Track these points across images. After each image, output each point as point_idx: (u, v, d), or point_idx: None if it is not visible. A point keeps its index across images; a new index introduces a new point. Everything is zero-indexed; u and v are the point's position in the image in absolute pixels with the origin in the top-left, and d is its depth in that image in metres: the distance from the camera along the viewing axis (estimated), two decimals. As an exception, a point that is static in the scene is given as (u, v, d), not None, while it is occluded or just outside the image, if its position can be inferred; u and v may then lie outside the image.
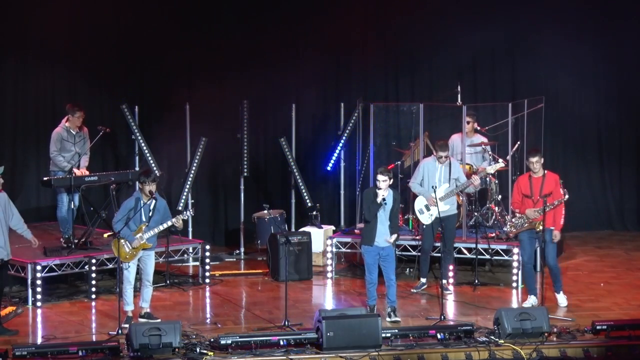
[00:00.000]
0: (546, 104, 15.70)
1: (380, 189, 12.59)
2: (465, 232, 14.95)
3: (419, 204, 14.06)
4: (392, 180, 12.80)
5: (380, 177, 12.63)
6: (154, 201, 12.46)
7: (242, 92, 16.64)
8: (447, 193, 13.87)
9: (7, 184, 16.22)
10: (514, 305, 13.61)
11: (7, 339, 11.90)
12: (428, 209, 13.97)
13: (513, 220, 13.18)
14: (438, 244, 14.33)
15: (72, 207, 14.57)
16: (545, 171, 13.10)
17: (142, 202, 12.43)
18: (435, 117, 16.66)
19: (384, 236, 12.70)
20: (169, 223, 12.50)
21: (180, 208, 15.94)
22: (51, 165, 14.70)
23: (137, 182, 12.62)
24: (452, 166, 13.96)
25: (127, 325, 11.98)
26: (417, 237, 14.68)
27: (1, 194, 12.34)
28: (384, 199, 12.57)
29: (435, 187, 13.78)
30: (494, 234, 14.94)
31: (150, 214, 12.47)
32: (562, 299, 13.26)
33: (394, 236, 12.76)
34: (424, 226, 14.19)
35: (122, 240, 12.32)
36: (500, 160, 14.95)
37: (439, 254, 14.35)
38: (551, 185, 13.04)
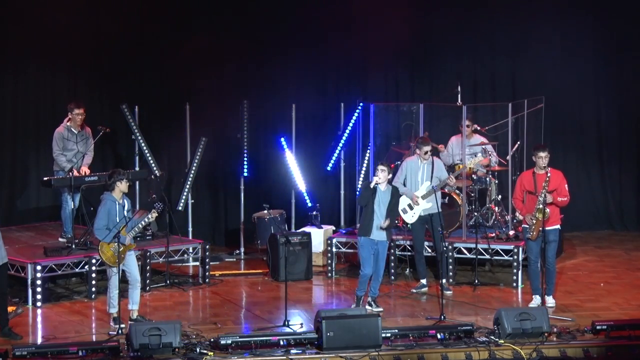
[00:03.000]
0: (546, 104, 15.70)
1: (376, 176, 12.81)
2: (465, 232, 14.95)
3: (402, 203, 14.03)
4: (390, 175, 13.01)
5: (380, 166, 12.90)
6: (125, 201, 12.44)
7: (242, 92, 16.65)
8: (429, 191, 13.88)
9: (7, 184, 16.33)
10: (514, 305, 13.61)
11: (6, 339, 11.90)
12: (411, 208, 13.99)
13: (528, 222, 13.05)
14: (431, 243, 14.35)
15: (73, 207, 14.59)
16: (549, 168, 13.07)
17: (117, 203, 12.38)
18: (435, 117, 16.66)
19: (380, 231, 12.82)
20: (146, 220, 12.42)
21: (180, 207, 15.97)
22: (54, 166, 14.71)
23: (112, 183, 12.40)
24: (435, 164, 13.97)
25: (116, 326, 12.06)
26: (410, 238, 14.66)
27: None
28: (377, 183, 12.77)
29: (435, 186, 13.79)
30: (494, 234, 14.94)
31: (132, 216, 12.42)
32: (551, 301, 13.23)
33: (387, 220, 12.86)
34: (409, 225, 14.21)
35: (113, 245, 12.23)
36: (479, 154, 15.02)
37: (434, 254, 14.36)
38: (557, 182, 13.01)
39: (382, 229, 12.88)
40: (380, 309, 12.93)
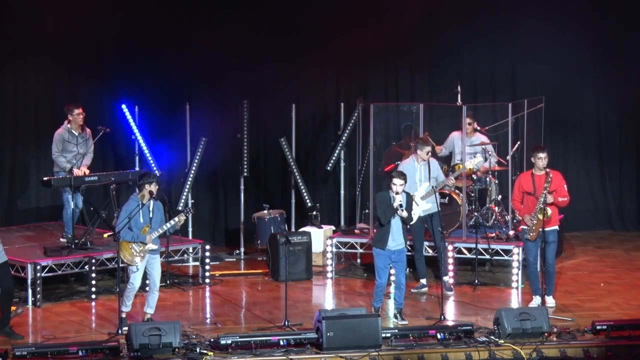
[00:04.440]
0: (546, 104, 15.70)
1: (397, 193, 12.51)
2: (465, 232, 14.95)
3: None
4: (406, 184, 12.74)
5: (396, 180, 12.53)
6: (152, 202, 12.43)
7: (242, 92, 16.65)
8: (428, 192, 13.86)
9: (7, 184, 16.33)
10: (514, 305, 13.61)
11: (7, 339, 11.90)
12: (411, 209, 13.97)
13: (528, 223, 13.05)
14: (431, 243, 14.34)
15: (73, 207, 14.58)
16: (548, 169, 13.06)
17: (141, 204, 12.38)
18: (436, 117, 16.66)
19: (397, 238, 12.62)
20: (172, 222, 12.41)
21: (180, 208, 15.96)
22: (55, 167, 14.70)
23: (141, 184, 12.41)
24: (431, 165, 13.95)
25: (126, 328, 11.98)
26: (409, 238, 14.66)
27: None
28: (400, 205, 12.49)
29: (435, 187, 13.78)
30: (494, 234, 14.93)
31: (151, 215, 12.42)
32: (551, 301, 13.23)
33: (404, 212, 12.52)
34: (409, 226, 14.19)
35: (132, 245, 12.22)
36: (478, 154, 15.00)
37: (434, 254, 14.34)
38: (556, 183, 13.00)
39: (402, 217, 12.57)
40: (405, 322, 12.66)
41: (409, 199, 12.77)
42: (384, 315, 12.57)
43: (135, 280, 12.33)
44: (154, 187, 12.34)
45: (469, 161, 14.61)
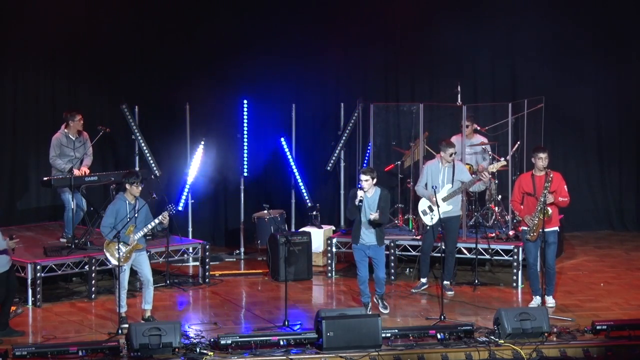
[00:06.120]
0: (546, 104, 15.69)
1: (361, 189, 12.65)
2: (465, 232, 14.95)
3: (423, 205, 14.00)
4: (375, 180, 12.72)
5: (361, 176, 12.72)
6: (137, 202, 12.44)
7: (242, 92, 16.66)
8: (450, 193, 13.81)
9: (7, 184, 16.32)
10: (514, 305, 13.61)
11: (7, 339, 11.90)
12: (431, 210, 13.91)
13: (528, 224, 13.04)
14: (438, 244, 14.32)
15: (75, 207, 14.58)
16: (548, 170, 13.06)
17: (127, 203, 12.38)
18: (435, 117, 16.66)
19: (368, 234, 12.75)
20: (156, 221, 12.44)
21: (180, 208, 15.97)
22: (53, 171, 14.69)
23: (123, 183, 12.47)
24: (455, 167, 13.92)
25: (125, 326, 11.99)
26: (417, 237, 14.67)
27: None
28: (360, 201, 12.62)
29: (436, 188, 13.74)
30: (494, 234, 14.93)
31: (136, 215, 12.43)
32: (551, 301, 13.23)
33: (376, 214, 12.60)
34: (427, 227, 14.15)
35: (116, 244, 12.25)
36: (502, 158, 14.95)
37: (439, 254, 14.33)
38: (556, 183, 13.00)
39: (370, 222, 12.64)
40: (387, 309, 12.89)
41: (384, 194, 12.71)
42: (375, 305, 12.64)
43: (123, 279, 12.38)
44: (138, 188, 12.35)
45: (493, 164, 14.51)
